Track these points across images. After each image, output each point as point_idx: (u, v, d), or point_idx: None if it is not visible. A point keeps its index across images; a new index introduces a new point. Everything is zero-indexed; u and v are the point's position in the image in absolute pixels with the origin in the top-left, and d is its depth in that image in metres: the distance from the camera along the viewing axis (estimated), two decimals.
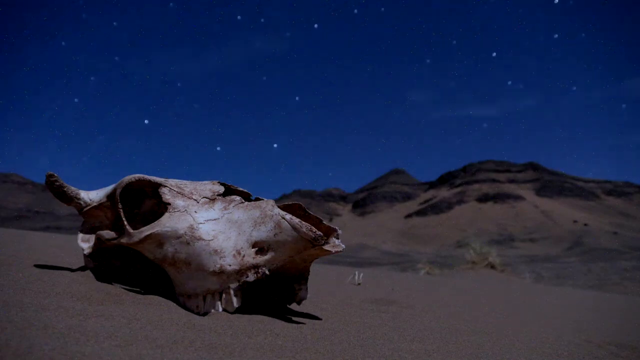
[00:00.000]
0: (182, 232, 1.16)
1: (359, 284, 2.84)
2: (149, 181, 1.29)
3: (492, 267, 9.78)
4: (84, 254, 1.37)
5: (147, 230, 1.19)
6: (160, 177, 1.32)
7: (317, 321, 1.27)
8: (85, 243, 1.37)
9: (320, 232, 1.10)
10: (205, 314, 1.12)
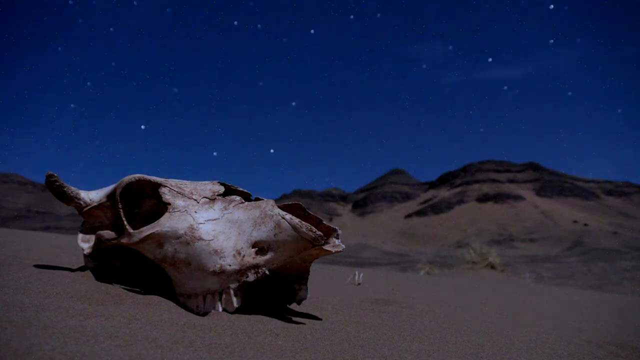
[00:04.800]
0: (182, 232, 1.16)
1: (359, 284, 2.83)
2: (149, 181, 1.29)
3: (492, 267, 9.77)
4: (84, 254, 1.37)
5: (147, 230, 1.19)
6: (160, 177, 1.32)
7: (317, 321, 1.27)
8: (85, 243, 1.37)
9: (320, 232, 1.10)
10: (205, 314, 1.12)
